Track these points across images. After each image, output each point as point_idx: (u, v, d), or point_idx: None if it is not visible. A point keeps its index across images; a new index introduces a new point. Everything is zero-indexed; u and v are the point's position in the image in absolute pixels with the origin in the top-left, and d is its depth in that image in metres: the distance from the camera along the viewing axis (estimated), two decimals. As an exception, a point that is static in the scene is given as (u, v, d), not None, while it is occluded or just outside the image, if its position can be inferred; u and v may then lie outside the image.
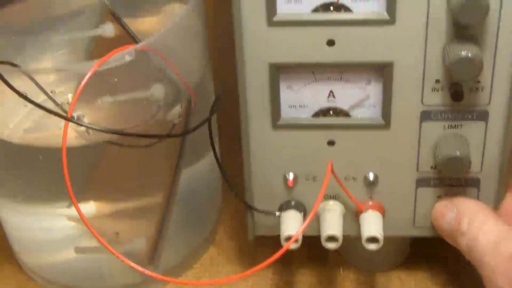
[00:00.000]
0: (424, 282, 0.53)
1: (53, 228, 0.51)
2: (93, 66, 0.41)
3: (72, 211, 0.42)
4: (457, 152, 0.44)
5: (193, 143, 0.50)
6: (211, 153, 0.48)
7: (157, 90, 0.46)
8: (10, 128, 0.48)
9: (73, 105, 0.41)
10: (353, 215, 0.48)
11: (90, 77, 0.41)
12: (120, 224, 0.50)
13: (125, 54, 0.42)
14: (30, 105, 0.42)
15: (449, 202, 0.46)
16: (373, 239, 0.46)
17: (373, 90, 0.45)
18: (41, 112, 0.42)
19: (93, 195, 0.49)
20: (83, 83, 0.41)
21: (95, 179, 0.49)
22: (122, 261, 0.42)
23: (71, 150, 0.41)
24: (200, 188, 0.54)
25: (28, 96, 0.42)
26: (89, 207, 0.49)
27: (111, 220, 0.50)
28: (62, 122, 0.41)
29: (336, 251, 0.51)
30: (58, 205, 0.48)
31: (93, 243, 0.46)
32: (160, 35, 0.44)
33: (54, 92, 0.44)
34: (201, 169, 0.53)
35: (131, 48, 0.42)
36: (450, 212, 0.45)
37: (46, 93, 0.43)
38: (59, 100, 0.45)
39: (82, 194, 0.47)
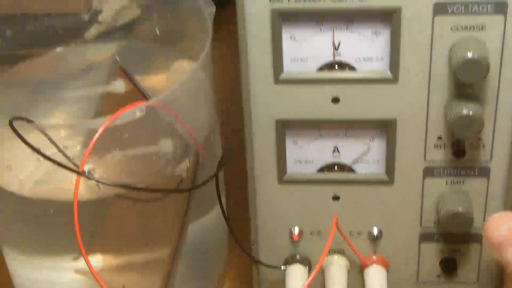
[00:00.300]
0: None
1: (60, 281, 0.51)
2: (104, 122, 0.42)
3: (79, 264, 0.43)
4: (460, 208, 0.44)
5: (200, 197, 0.51)
6: (218, 206, 0.49)
7: (166, 145, 0.47)
8: (21, 180, 0.49)
9: (84, 160, 0.42)
10: (357, 270, 0.48)
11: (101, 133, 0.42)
12: (127, 277, 0.51)
13: (136, 111, 0.43)
14: (41, 158, 0.42)
15: (505, 215, 0.43)
16: (377, 294, 0.47)
17: (376, 146, 0.46)
18: (51, 164, 0.43)
19: (100, 248, 0.49)
20: (94, 138, 0.42)
21: (102, 232, 0.49)
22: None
23: (80, 203, 0.42)
24: (207, 242, 0.55)
25: (34, 147, 0.42)
26: (96, 260, 0.49)
27: (118, 273, 0.50)
28: (73, 175, 0.42)
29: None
30: (65, 258, 0.49)
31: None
32: (171, 92, 0.45)
33: (67, 148, 0.45)
34: (208, 222, 0.54)
35: (142, 104, 0.44)
36: (509, 221, 0.42)
37: (59, 148, 0.44)
38: (69, 154, 0.46)
39: (89, 247, 0.48)
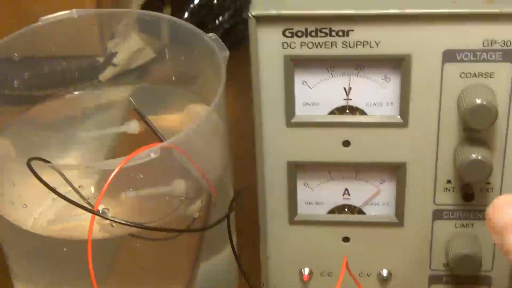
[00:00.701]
0: None
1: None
2: (119, 163, 0.43)
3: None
4: (469, 251, 0.45)
5: (212, 236, 0.52)
6: (229, 246, 0.50)
7: (179, 186, 0.48)
8: (34, 219, 0.49)
9: (99, 200, 0.43)
10: (367, 311, 0.49)
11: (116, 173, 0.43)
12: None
13: (151, 152, 0.44)
14: (56, 197, 0.43)
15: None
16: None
17: (386, 189, 0.46)
18: (64, 202, 0.43)
19: (113, 286, 0.50)
20: (109, 179, 0.43)
21: (115, 271, 0.50)
22: None
23: (93, 241, 0.43)
24: (218, 281, 0.55)
25: (52, 186, 0.43)
26: (108, 298, 0.49)
27: (130, 311, 0.51)
28: (86, 214, 0.43)
29: None
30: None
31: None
32: (185, 134, 0.46)
33: (81, 187, 0.46)
34: (219, 261, 0.54)
35: (157, 146, 0.44)
36: (506, 211, 0.39)
37: (75, 189, 0.45)
38: (83, 193, 0.46)
39: (102, 286, 0.48)
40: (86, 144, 0.55)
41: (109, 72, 0.57)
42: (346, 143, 0.45)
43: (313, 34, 0.42)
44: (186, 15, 0.78)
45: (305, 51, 0.43)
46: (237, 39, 0.78)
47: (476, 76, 0.42)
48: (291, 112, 0.45)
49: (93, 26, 0.54)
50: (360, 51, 0.42)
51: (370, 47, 0.42)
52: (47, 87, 0.54)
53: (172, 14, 0.78)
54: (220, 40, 0.48)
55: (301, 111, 0.45)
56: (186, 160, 0.48)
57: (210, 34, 0.49)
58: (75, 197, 0.45)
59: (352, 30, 0.42)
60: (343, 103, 0.44)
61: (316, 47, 0.42)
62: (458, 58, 0.42)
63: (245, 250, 0.55)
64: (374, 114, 0.44)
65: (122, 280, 0.50)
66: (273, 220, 0.48)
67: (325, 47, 0.42)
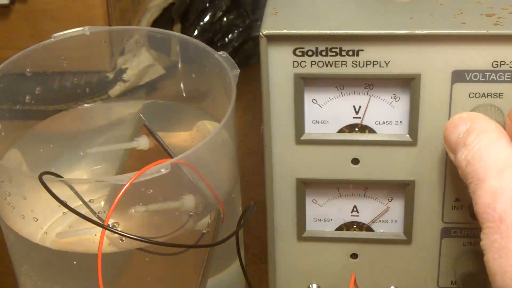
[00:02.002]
0: None
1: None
2: (130, 178, 0.43)
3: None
4: (476, 269, 0.45)
5: (220, 252, 0.52)
6: (237, 262, 0.50)
7: (188, 201, 0.48)
8: (43, 232, 0.50)
9: (109, 215, 0.43)
10: (374, 328, 0.49)
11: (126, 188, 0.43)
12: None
13: (161, 168, 0.44)
14: (64, 209, 0.44)
15: (467, 115, 0.41)
16: None
17: (395, 206, 0.47)
18: (74, 216, 0.44)
19: (121, 301, 0.50)
20: (120, 194, 0.43)
21: (123, 284, 0.50)
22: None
23: (103, 255, 0.43)
24: (225, 297, 0.55)
25: (63, 201, 0.43)
26: (116, 313, 0.50)
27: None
28: (95, 228, 0.43)
29: None
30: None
31: None
32: (195, 150, 0.46)
33: (93, 201, 0.46)
34: (227, 277, 0.55)
35: (167, 162, 0.45)
36: (463, 125, 0.40)
37: (85, 203, 0.46)
38: (93, 207, 0.47)
39: (110, 300, 0.48)
40: (96, 159, 0.56)
41: (119, 87, 0.58)
42: (355, 161, 0.45)
43: (323, 53, 0.43)
44: (196, 32, 0.79)
45: (315, 70, 0.43)
46: (246, 56, 0.79)
47: (485, 96, 0.42)
48: (301, 129, 0.45)
49: (104, 43, 0.55)
50: (369, 70, 0.43)
51: (380, 66, 0.42)
52: (58, 102, 0.54)
53: (182, 31, 0.79)
54: (231, 58, 0.49)
55: (311, 129, 0.45)
56: (196, 176, 0.48)
57: (221, 52, 0.49)
58: (85, 211, 0.46)
59: (362, 50, 0.42)
60: (353, 121, 0.45)
61: (326, 66, 0.43)
62: (468, 79, 0.42)
63: (251, 265, 0.56)
64: (383, 132, 0.45)
65: (130, 294, 0.51)
66: (281, 236, 0.48)
67: (335, 66, 0.43)
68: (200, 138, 0.52)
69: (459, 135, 0.40)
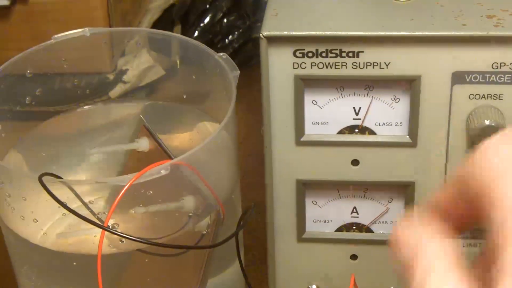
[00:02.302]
0: None
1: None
2: (130, 179, 0.43)
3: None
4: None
5: (220, 253, 0.52)
6: (236, 263, 0.50)
7: (188, 202, 0.48)
8: (43, 233, 0.50)
9: (109, 216, 0.43)
10: (374, 329, 0.49)
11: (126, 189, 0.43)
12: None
13: (161, 169, 0.44)
14: (63, 210, 0.44)
15: (411, 233, 0.31)
16: None
17: (395, 208, 0.47)
18: (73, 217, 0.44)
19: (120, 302, 0.50)
20: (120, 195, 0.43)
21: (123, 285, 0.50)
22: None
23: (102, 256, 0.43)
24: (225, 298, 0.55)
25: (63, 202, 0.44)
26: (115, 314, 0.50)
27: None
28: (95, 229, 0.43)
29: None
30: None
31: None
32: (195, 151, 0.46)
33: (92, 202, 0.46)
34: (227, 278, 0.55)
35: (167, 163, 0.45)
36: (406, 249, 0.31)
37: (85, 204, 0.46)
38: (93, 208, 0.47)
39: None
40: (96, 160, 0.56)
41: (119, 89, 0.58)
42: (355, 162, 0.45)
43: (323, 55, 0.43)
44: (196, 33, 0.79)
45: (315, 72, 0.43)
46: (246, 58, 0.79)
47: (485, 97, 0.42)
48: (301, 131, 0.45)
49: (105, 44, 0.55)
50: (370, 72, 0.43)
51: (380, 68, 0.43)
52: (58, 104, 0.54)
53: (182, 32, 0.79)
54: (231, 60, 0.49)
55: (311, 130, 0.45)
56: (196, 177, 0.48)
57: (221, 54, 0.49)
58: (85, 212, 0.46)
59: (363, 52, 0.42)
60: (352, 122, 0.45)
61: (326, 67, 0.43)
62: (467, 80, 0.42)
63: (251, 266, 0.56)
64: (383, 133, 0.45)
65: (130, 295, 0.51)
66: (281, 237, 0.48)
67: (335, 68, 0.43)
68: (200, 139, 0.52)
69: (403, 261, 0.30)
